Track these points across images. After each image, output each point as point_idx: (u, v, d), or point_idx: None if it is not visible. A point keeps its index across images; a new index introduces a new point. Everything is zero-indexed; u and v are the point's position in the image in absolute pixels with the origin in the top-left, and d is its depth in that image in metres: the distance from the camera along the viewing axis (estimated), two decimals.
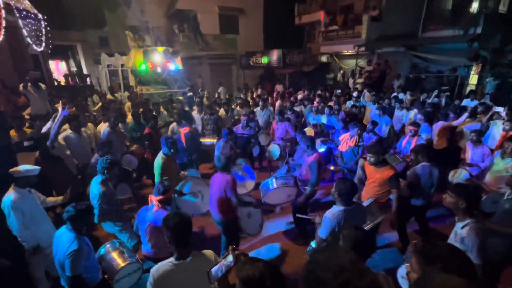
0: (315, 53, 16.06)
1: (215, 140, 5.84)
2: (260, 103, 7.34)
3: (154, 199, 2.78)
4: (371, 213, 3.02)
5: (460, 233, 2.06)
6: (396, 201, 3.27)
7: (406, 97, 8.33)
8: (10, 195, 2.73)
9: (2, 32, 5.48)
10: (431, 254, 1.29)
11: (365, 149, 4.26)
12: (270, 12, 17.28)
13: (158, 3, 14.36)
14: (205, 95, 10.73)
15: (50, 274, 3.12)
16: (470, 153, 4.48)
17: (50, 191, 3.77)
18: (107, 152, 3.94)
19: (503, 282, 2.79)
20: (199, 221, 4.28)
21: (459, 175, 4.22)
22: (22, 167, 2.84)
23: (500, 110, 5.83)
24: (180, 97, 10.02)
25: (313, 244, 2.60)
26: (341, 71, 15.35)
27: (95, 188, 3.07)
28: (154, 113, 6.73)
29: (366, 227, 2.75)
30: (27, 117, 5.51)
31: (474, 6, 9.21)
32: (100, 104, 8.03)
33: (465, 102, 7.25)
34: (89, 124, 5.78)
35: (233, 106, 8.09)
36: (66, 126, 4.71)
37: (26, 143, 3.99)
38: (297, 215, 3.38)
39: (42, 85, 6.19)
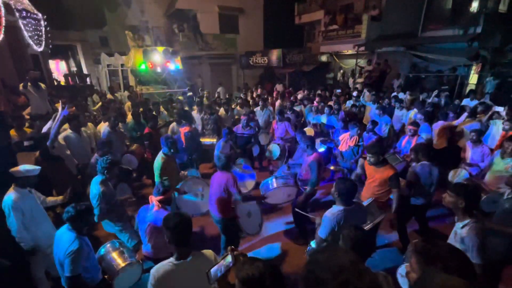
0: (315, 53, 16.05)
1: (215, 140, 5.84)
2: (260, 103, 7.34)
3: (154, 199, 2.79)
4: (371, 213, 3.02)
5: (460, 233, 2.06)
6: (397, 200, 3.27)
7: (405, 96, 8.33)
8: (11, 195, 2.74)
9: (2, 32, 5.47)
10: (431, 254, 1.29)
11: (365, 149, 4.27)
12: (270, 11, 17.27)
13: (158, 3, 14.36)
14: (205, 94, 10.73)
15: (51, 274, 3.13)
16: (470, 152, 4.49)
17: (50, 191, 3.77)
18: (107, 152, 3.94)
19: (503, 282, 2.79)
20: (199, 221, 4.28)
21: (459, 175, 4.22)
22: (23, 167, 2.84)
23: (500, 109, 5.83)
24: (180, 97, 10.02)
25: (313, 244, 2.61)
26: (341, 71, 15.34)
27: (94, 188, 3.07)
28: (154, 113, 6.73)
29: (366, 227, 2.75)
30: (27, 117, 5.51)
31: (474, 6, 9.20)
32: (100, 104, 8.03)
33: (465, 101, 7.25)
34: (89, 124, 5.78)
35: (233, 106, 8.08)
36: (66, 126, 4.71)
37: (26, 143, 3.99)
38: (295, 209, 3.38)
39: (42, 85, 6.19)
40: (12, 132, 4.34)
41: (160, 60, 10.79)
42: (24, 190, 2.86)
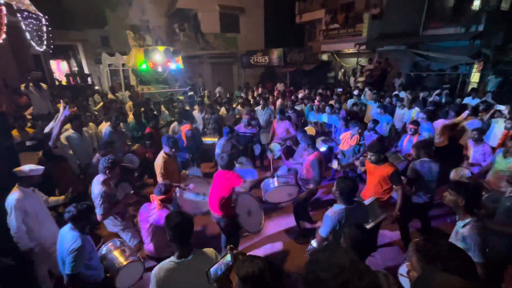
0: (316, 52, 16.02)
1: (216, 139, 5.85)
2: (261, 102, 7.34)
3: (155, 199, 2.80)
4: (373, 211, 3.02)
5: (461, 232, 2.06)
6: (400, 198, 3.27)
7: (406, 95, 8.31)
8: (15, 194, 2.76)
9: (4, 33, 5.49)
10: (432, 253, 1.29)
11: (366, 147, 4.26)
12: (270, 10, 17.24)
13: (158, 3, 14.35)
14: (206, 94, 10.73)
15: (53, 273, 3.15)
16: (471, 151, 4.47)
17: (53, 190, 3.80)
18: (109, 152, 3.96)
19: (506, 282, 2.79)
20: (200, 220, 4.29)
21: (460, 174, 4.21)
22: (26, 167, 2.86)
23: (502, 108, 5.81)
24: (181, 97, 10.03)
25: (313, 243, 2.61)
26: (342, 70, 15.31)
27: (96, 187, 3.09)
28: (155, 112, 6.74)
29: (368, 226, 2.75)
30: (29, 117, 5.53)
31: (476, 4, 9.16)
32: (101, 103, 8.05)
33: (467, 100, 7.22)
34: (91, 124, 5.80)
35: (234, 105, 8.09)
36: (68, 126, 4.73)
37: (28, 143, 4.01)
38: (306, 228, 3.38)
39: (44, 85, 6.21)
40: (14, 132, 4.36)
41: (161, 60, 10.80)
42: (28, 189, 2.88)
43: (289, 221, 4.43)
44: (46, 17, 7.44)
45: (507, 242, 2.57)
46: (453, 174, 4.27)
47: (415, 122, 4.81)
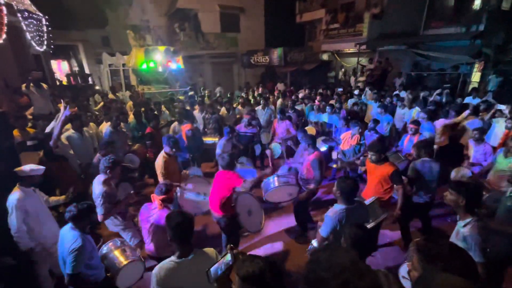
0: (316, 51, 16.01)
1: (217, 139, 5.85)
2: (261, 102, 7.34)
3: (156, 198, 2.80)
4: (374, 211, 3.01)
5: (462, 231, 2.06)
6: (401, 197, 3.27)
7: (407, 95, 8.30)
8: (16, 194, 2.77)
9: (4, 33, 5.50)
10: (433, 252, 1.29)
11: (367, 148, 4.26)
12: (271, 10, 17.23)
13: (159, 2, 14.35)
14: (206, 94, 10.73)
15: (54, 273, 3.16)
16: (472, 150, 4.47)
17: (53, 190, 3.80)
18: (109, 152, 3.96)
19: (506, 281, 2.78)
20: (201, 219, 4.30)
21: (461, 174, 4.21)
22: (27, 167, 2.87)
23: (503, 107, 5.80)
24: (181, 97, 10.04)
25: (314, 242, 2.61)
26: (343, 69, 15.30)
27: (97, 187, 3.09)
28: (155, 112, 6.75)
29: (369, 226, 2.75)
30: (30, 117, 5.54)
31: (477, 3, 9.14)
32: (102, 103, 8.06)
33: (467, 100, 7.21)
34: (91, 124, 5.81)
35: (234, 105, 8.09)
36: (68, 126, 4.74)
37: (29, 143, 4.01)
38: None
39: (44, 85, 6.22)
40: (15, 132, 4.36)
41: (161, 60, 10.80)
42: (29, 189, 2.88)
43: (289, 221, 4.43)
44: (47, 17, 7.44)
45: (508, 242, 2.57)
46: (454, 174, 4.27)
47: (416, 122, 4.80)
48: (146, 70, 10.80)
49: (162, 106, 7.53)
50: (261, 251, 3.92)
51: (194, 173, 4.41)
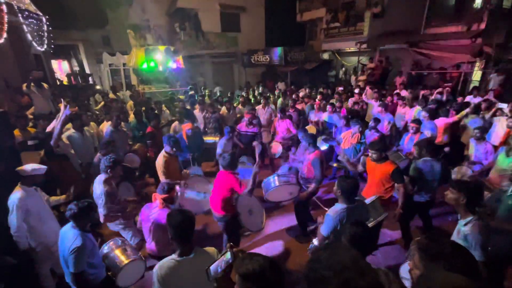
0: (317, 51, 15.97)
1: (217, 138, 5.85)
2: (261, 101, 7.33)
3: (158, 197, 2.80)
4: (374, 210, 3.01)
5: (463, 230, 2.06)
6: (402, 196, 3.26)
7: (407, 94, 8.29)
8: (17, 193, 2.78)
9: (5, 33, 5.51)
10: (434, 251, 1.29)
11: (368, 146, 4.25)
12: (271, 9, 17.19)
13: (159, 2, 14.33)
14: (206, 93, 10.73)
15: (56, 272, 3.17)
16: (473, 149, 4.46)
17: (54, 190, 3.81)
18: (110, 151, 3.97)
19: (508, 280, 2.78)
20: (202, 219, 4.30)
21: (463, 173, 4.20)
22: (29, 166, 2.87)
23: (504, 106, 5.79)
24: (181, 96, 10.04)
25: (315, 241, 2.61)
26: (343, 69, 15.27)
27: (98, 187, 3.10)
28: (156, 112, 6.75)
29: (370, 225, 2.75)
30: (31, 116, 5.55)
31: (478, 2, 9.11)
32: (102, 103, 8.06)
33: (468, 98, 7.19)
34: (92, 123, 5.82)
35: (234, 105, 8.09)
36: (69, 125, 4.75)
37: (30, 142, 4.02)
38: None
39: (45, 85, 6.23)
40: (16, 132, 4.37)
41: (161, 59, 10.80)
42: (30, 188, 2.89)
43: (290, 220, 4.43)
44: (47, 17, 7.45)
45: (509, 240, 2.56)
46: (455, 173, 4.26)
47: (417, 121, 4.80)
48: (146, 69, 10.81)
49: (163, 105, 7.53)
50: (262, 250, 3.92)
51: (194, 172, 4.42)
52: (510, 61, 8.61)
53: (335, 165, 5.38)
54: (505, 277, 2.72)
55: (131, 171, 4.74)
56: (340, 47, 14.64)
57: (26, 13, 6.60)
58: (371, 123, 5.40)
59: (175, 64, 11.28)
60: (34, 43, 7.10)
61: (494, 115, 5.53)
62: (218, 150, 5.10)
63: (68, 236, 2.26)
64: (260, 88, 12.06)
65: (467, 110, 5.39)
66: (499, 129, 4.98)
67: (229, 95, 9.68)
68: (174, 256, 1.82)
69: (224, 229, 3.50)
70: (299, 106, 7.55)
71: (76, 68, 15.88)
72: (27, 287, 2.93)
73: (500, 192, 3.17)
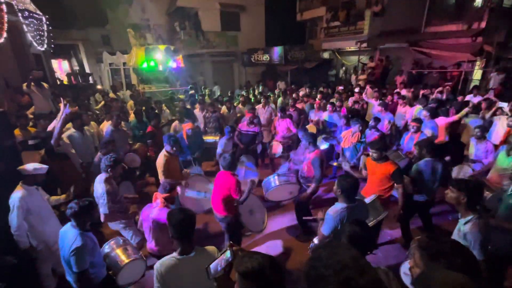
0: (317, 50, 15.94)
1: (217, 138, 5.85)
2: (262, 100, 7.32)
3: (159, 196, 2.80)
4: (374, 209, 3.02)
5: (463, 229, 2.06)
6: (401, 197, 3.26)
7: (408, 93, 8.28)
8: (18, 192, 2.79)
9: (5, 32, 5.50)
10: (434, 250, 1.29)
11: (368, 145, 4.25)
12: (271, 8, 17.17)
13: (159, 1, 14.32)
14: (206, 92, 10.73)
15: (57, 271, 3.17)
16: (473, 148, 4.46)
17: (55, 189, 3.81)
18: (110, 151, 3.97)
19: (508, 279, 2.78)
20: (202, 218, 4.31)
21: (463, 172, 4.20)
22: (30, 165, 2.88)
23: (504, 105, 5.78)
24: (181, 96, 10.03)
25: (315, 240, 2.61)
26: (343, 68, 15.25)
27: (99, 186, 3.10)
28: (156, 111, 6.75)
29: (369, 224, 2.75)
30: (31, 116, 5.55)
31: (478, 0, 9.09)
32: (102, 102, 8.06)
33: (468, 97, 7.18)
34: (92, 123, 5.82)
35: (235, 104, 8.09)
36: (69, 125, 4.75)
37: (31, 142, 4.03)
38: (304, 218, 3.38)
39: (45, 84, 6.23)
40: (17, 131, 4.38)
41: (162, 58, 10.80)
42: (32, 187, 2.90)
43: (290, 219, 4.44)
44: (47, 16, 7.44)
45: (510, 239, 2.56)
46: (455, 172, 4.26)
47: (418, 120, 4.79)
48: (146, 69, 10.80)
49: (163, 105, 7.53)
50: (262, 249, 3.93)
51: (195, 172, 4.43)
52: (511, 60, 8.59)
53: (335, 164, 5.38)
54: (505, 276, 2.72)
55: (131, 171, 4.75)
56: (340, 46, 14.62)
57: (26, 12, 6.59)
58: (371, 122, 5.39)
59: (175, 64, 11.26)
60: (34, 43, 7.09)
61: (494, 114, 5.52)
62: (219, 149, 5.10)
63: (68, 236, 2.27)
64: (260, 87, 12.06)
65: (466, 109, 5.39)
66: (499, 128, 4.98)
67: (229, 94, 9.68)
68: (174, 255, 1.83)
69: (226, 230, 3.50)
70: (299, 105, 7.55)
71: (76, 68, 15.90)
72: (28, 286, 2.93)
73: (501, 191, 3.18)
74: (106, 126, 5.41)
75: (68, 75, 13.13)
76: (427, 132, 4.97)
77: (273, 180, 3.88)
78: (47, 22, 7.42)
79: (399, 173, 3.27)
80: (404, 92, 8.30)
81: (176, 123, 6.03)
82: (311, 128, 6.17)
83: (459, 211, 2.15)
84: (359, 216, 2.46)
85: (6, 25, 5.46)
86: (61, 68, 15.89)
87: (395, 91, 8.35)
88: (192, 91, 10.40)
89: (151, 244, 2.83)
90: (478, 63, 9.28)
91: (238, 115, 7.44)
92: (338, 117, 6.13)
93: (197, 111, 6.93)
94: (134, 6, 13.44)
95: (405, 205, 3.31)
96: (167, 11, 15.07)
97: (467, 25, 9.22)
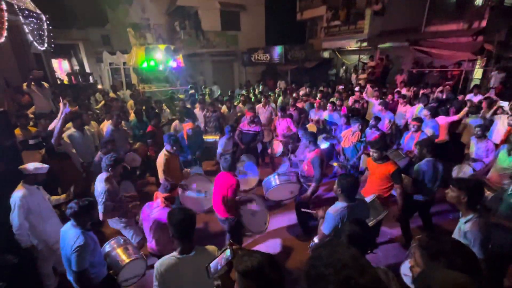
0: (317, 49, 15.92)
1: (217, 137, 5.85)
2: (262, 100, 7.32)
3: (160, 196, 2.80)
4: (374, 209, 3.02)
5: (464, 228, 2.06)
6: (400, 197, 3.26)
7: (408, 92, 8.27)
8: (19, 191, 2.79)
9: (5, 32, 5.50)
10: (435, 249, 1.29)
11: (368, 144, 4.25)
12: (271, 8, 17.15)
13: (159, 0, 14.32)
14: (207, 92, 10.72)
15: (57, 270, 3.18)
16: (474, 147, 4.45)
17: (55, 189, 3.82)
18: (111, 150, 3.97)
19: (508, 277, 2.78)
20: (203, 217, 4.31)
21: (463, 171, 4.20)
22: (31, 165, 2.89)
23: (505, 104, 5.77)
24: (181, 95, 10.03)
25: (316, 240, 2.61)
26: (344, 67, 15.22)
27: (100, 185, 3.11)
28: (156, 110, 6.75)
29: (370, 224, 2.75)
30: (31, 115, 5.56)
31: None
32: (103, 102, 8.07)
33: (469, 97, 7.17)
34: (93, 122, 5.82)
35: (235, 103, 8.09)
36: (69, 124, 4.75)
37: (31, 141, 4.03)
38: (302, 210, 3.37)
39: (45, 84, 6.23)
40: (17, 131, 4.38)
41: (162, 58, 10.79)
42: (32, 187, 2.91)
43: (291, 218, 4.44)
44: (47, 16, 7.44)
45: (510, 238, 2.56)
46: (456, 171, 4.26)
47: (418, 119, 4.79)
48: (146, 68, 10.79)
49: (163, 104, 7.53)
50: (263, 248, 3.93)
51: (195, 171, 4.43)
52: (511, 58, 8.57)
53: (335, 164, 5.38)
54: (505, 275, 2.72)
55: (132, 170, 4.75)
56: (340, 45, 14.59)
57: (26, 12, 6.58)
58: (372, 122, 5.39)
59: (175, 63, 11.25)
60: (34, 43, 7.09)
61: (495, 113, 5.51)
62: (219, 149, 5.10)
63: (70, 235, 2.27)
64: (261, 87, 12.05)
65: (466, 108, 5.38)
66: (500, 127, 4.97)
67: (229, 93, 9.67)
68: (174, 254, 1.83)
69: (228, 230, 3.49)
70: (299, 105, 7.55)
71: (77, 67, 15.90)
72: (28, 286, 2.94)
73: (501, 190, 3.17)
74: (107, 126, 5.42)
75: (68, 74, 13.14)
76: (428, 131, 4.97)
77: (274, 179, 3.88)
78: (47, 22, 7.42)
79: (399, 174, 3.27)
80: (404, 91, 8.30)
81: (176, 122, 6.03)
82: (311, 127, 6.17)
83: (460, 210, 2.15)
84: (360, 215, 2.46)
85: (6, 24, 5.45)
86: (61, 67, 15.89)
87: (396, 90, 8.35)
88: (192, 91, 10.39)
89: (151, 244, 2.83)
90: (478, 62, 9.26)
91: (238, 114, 7.44)
92: (338, 116, 6.13)
93: (197, 111, 6.93)
94: (134, 6, 13.43)
95: (404, 205, 3.31)
96: (167, 10, 15.06)
97: (467, 24, 9.20)
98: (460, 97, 7.26)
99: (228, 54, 16.55)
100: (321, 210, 2.57)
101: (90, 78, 12.40)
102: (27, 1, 6.78)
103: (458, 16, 9.70)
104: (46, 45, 7.42)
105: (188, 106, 7.44)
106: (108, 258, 2.65)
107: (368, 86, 9.07)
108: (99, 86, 11.48)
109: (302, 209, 3.24)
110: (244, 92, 10.44)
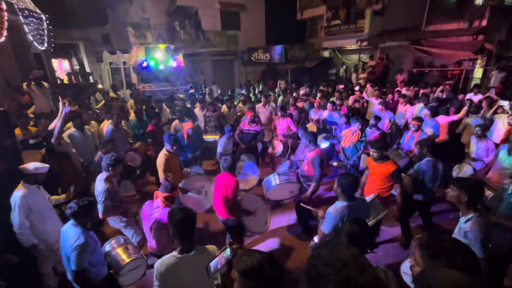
0: (317, 49, 15.91)
1: (217, 137, 5.85)
2: (262, 99, 7.32)
3: (160, 195, 2.80)
4: (374, 208, 3.02)
5: (464, 227, 2.06)
6: (400, 197, 3.26)
7: (408, 92, 8.26)
8: (20, 191, 2.80)
9: (5, 32, 5.49)
10: (435, 248, 1.29)
11: (368, 144, 4.25)
12: (271, 7, 17.13)
13: (159, 0, 14.31)
14: (207, 91, 10.72)
15: (58, 270, 3.18)
16: (474, 147, 4.45)
17: (55, 189, 3.82)
18: (111, 150, 3.97)
19: (508, 277, 2.78)
20: (203, 217, 4.31)
21: (464, 171, 4.19)
22: (31, 165, 2.89)
23: (505, 104, 5.77)
24: (181, 95, 10.03)
25: (316, 239, 2.61)
26: (344, 66, 15.22)
27: (100, 184, 3.11)
28: (156, 110, 6.75)
29: (369, 223, 2.75)
30: (31, 115, 5.55)
31: None
32: (103, 102, 8.07)
33: (469, 96, 7.17)
34: (93, 122, 5.82)
35: (235, 103, 8.09)
36: (70, 124, 4.75)
37: (31, 141, 4.03)
38: (300, 204, 3.37)
39: (45, 84, 6.23)
40: (17, 130, 4.38)
41: (162, 58, 10.79)
42: (33, 186, 2.91)
43: (291, 218, 4.44)
44: (47, 15, 7.43)
45: (510, 237, 2.56)
46: (456, 171, 4.25)
47: (419, 118, 4.78)
48: (146, 68, 10.79)
49: (163, 104, 7.53)
50: (263, 248, 3.93)
51: (195, 171, 4.43)
52: (511, 58, 8.57)
53: (335, 164, 5.37)
54: (505, 275, 2.72)
55: (132, 170, 4.75)
56: (340, 44, 14.58)
57: (26, 12, 6.58)
58: (372, 121, 5.38)
59: (175, 63, 11.25)
60: (34, 42, 7.09)
61: (495, 112, 5.51)
62: (219, 148, 5.10)
63: (70, 235, 2.27)
64: (261, 86, 12.04)
65: (465, 108, 5.38)
66: (500, 126, 4.97)
67: (229, 93, 9.67)
68: (175, 253, 1.83)
69: (229, 230, 3.49)
70: (299, 104, 7.55)
71: (77, 67, 15.88)
72: (29, 285, 2.94)
73: (502, 190, 3.17)
74: (107, 125, 5.42)
75: (69, 74, 13.12)
76: (428, 130, 4.96)
77: (274, 179, 3.87)
78: (47, 22, 7.41)
79: (399, 173, 3.27)
80: (404, 90, 8.29)
81: (176, 122, 6.03)
82: (311, 127, 6.17)
83: (460, 210, 2.15)
84: (360, 215, 2.46)
85: (6, 24, 5.45)
86: (61, 67, 15.87)
87: (396, 89, 8.34)
88: (192, 90, 10.39)
89: (151, 243, 2.83)
90: (479, 61, 9.26)
91: (238, 114, 7.44)
92: (338, 115, 6.13)
93: (197, 110, 6.93)
94: (134, 6, 13.44)
95: (404, 204, 3.31)
96: (167, 10, 15.05)
97: (468, 23, 9.18)
98: (460, 97, 7.25)
99: (228, 54, 16.54)
100: (321, 210, 2.57)
101: (90, 77, 12.40)
102: (27, 1, 6.77)
103: (458, 16, 9.69)
104: (46, 44, 7.41)
105: (188, 105, 7.44)
106: (108, 257, 2.66)
107: (368, 85, 9.07)
108: (99, 86, 11.47)
109: (301, 204, 3.23)
110: (244, 91, 10.44)
